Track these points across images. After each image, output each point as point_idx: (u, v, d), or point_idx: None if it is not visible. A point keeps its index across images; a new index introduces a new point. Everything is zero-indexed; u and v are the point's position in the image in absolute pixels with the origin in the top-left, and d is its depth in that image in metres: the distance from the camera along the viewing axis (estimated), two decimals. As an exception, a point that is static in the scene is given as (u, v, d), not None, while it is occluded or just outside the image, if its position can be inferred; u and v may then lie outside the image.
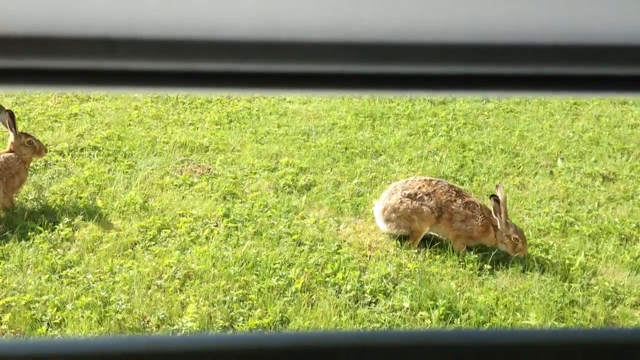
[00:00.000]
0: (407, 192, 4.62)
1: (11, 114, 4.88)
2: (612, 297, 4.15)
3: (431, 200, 4.59)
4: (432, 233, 4.68)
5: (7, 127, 4.91)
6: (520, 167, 6.00)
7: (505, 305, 4.00)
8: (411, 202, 4.57)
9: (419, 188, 4.63)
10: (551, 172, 5.93)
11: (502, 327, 3.80)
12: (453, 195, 4.63)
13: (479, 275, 4.33)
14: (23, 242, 4.32)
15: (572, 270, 4.36)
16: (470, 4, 0.53)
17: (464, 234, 4.58)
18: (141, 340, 0.71)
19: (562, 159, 6.22)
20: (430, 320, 3.85)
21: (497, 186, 4.66)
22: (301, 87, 0.57)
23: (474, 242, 4.61)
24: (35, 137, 5.14)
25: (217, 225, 4.73)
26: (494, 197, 4.53)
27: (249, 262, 4.23)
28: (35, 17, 0.50)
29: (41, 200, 4.96)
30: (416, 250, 4.54)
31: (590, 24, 0.55)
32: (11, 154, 4.90)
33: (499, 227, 4.53)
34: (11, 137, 4.92)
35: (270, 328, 3.73)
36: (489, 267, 4.40)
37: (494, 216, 4.55)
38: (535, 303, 4.03)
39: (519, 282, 4.26)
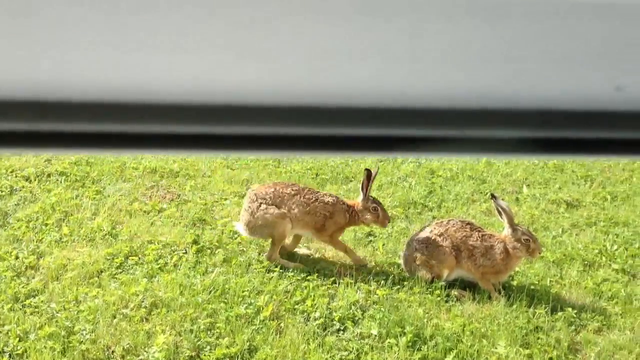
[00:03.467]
0: (419, 238, 4.57)
1: (368, 174, 4.61)
2: (576, 322, 4.23)
3: (446, 240, 4.53)
4: (462, 276, 4.57)
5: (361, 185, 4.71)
6: (487, 193, 6.09)
7: (472, 332, 4.04)
8: (426, 248, 4.50)
9: (431, 231, 4.57)
10: (517, 199, 6.04)
11: None
12: (467, 230, 4.55)
13: (446, 302, 4.37)
14: (-14, 270, 4.25)
15: (537, 297, 4.43)
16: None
17: (489, 270, 4.47)
18: None
19: (528, 185, 6.34)
20: (398, 347, 3.86)
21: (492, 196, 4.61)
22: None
23: (502, 276, 4.50)
24: (383, 206, 4.79)
25: (186, 252, 4.70)
26: (493, 196, 4.53)
27: (217, 290, 4.22)
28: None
29: (6, 227, 4.88)
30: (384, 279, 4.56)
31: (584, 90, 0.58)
32: (344, 205, 4.71)
33: (508, 235, 4.41)
34: (360, 195, 4.72)
35: (237, 357, 3.70)
36: (455, 293, 4.45)
37: (501, 219, 4.48)
38: (501, 329, 4.08)
39: (485, 309, 4.31)
